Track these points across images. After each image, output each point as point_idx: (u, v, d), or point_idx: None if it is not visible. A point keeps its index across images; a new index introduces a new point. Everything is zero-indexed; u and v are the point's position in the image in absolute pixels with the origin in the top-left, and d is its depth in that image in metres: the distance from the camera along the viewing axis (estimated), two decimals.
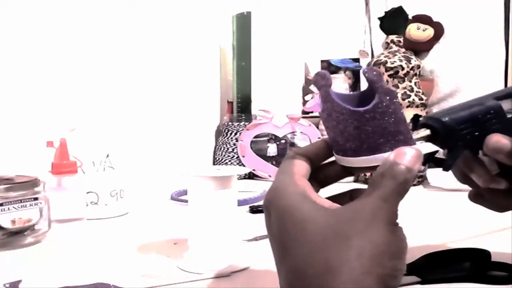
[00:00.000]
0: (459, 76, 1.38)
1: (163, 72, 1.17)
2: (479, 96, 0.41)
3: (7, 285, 0.50)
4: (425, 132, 0.39)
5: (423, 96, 1.16)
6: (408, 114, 1.04)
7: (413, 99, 1.13)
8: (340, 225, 0.32)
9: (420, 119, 0.40)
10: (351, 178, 1.12)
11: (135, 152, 1.03)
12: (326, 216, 0.32)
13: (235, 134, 1.27)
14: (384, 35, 1.22)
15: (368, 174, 1.09)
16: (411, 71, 1.14)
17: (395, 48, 1.17)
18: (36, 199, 0.67)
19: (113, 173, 0.87)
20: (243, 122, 1.29)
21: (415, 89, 1.15)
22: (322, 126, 1.27)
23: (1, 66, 0.91)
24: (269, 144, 1.27)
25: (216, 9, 1.30)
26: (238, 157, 1.26)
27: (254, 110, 1.32)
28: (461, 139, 0.39)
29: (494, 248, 0.51)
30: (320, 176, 0.39)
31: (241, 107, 1.31)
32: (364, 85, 1.39)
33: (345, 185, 0.40)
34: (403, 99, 1.13)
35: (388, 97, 0.34)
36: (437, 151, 0.38)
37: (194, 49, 1.25)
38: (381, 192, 0.32)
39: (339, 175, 0.40)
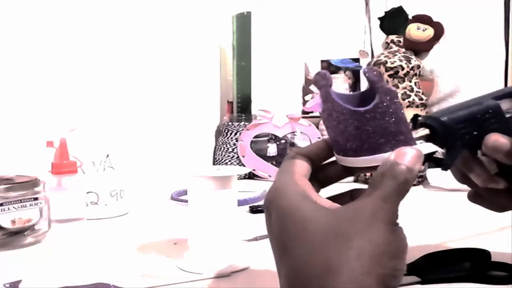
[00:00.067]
0: (459, 76, 1.38)
1: (163, 72, 1.17)
2: (478, 96, 0.41)
3: (7, 285, 0.50)
4: (424, 131, 0.39)
5: (423, 96, 1.16)
6: (408, 114, 1.03)
7: (413, 99, 1.13)
8: (340, 225, 0.32)
9: (419, 118, 0.41)
10: (351, 178, 1.12)
11: (135, 152, 1.03)
12: (326, 216, 0.32)
13: (235, 134, 1.27)
14: (384, 35, 1.22)
15: (368, 174, 1.09)
16: (411, 71, 1.14)
17: (395, 48, 1.17)
18: (36, 199, 0.67)
19: (113, 173, 0.87)
20: (243, 122, 1.29)
21: (415, 89, 1.15)
22: (322, 126, 1.27)
23: (1, 66, 0.91)
24: (269, 144, 1.27)
25: (216, 9, 1.30)
26: (238, 157, 1.26)
27: (254, 110, 1.33)
28: (460, 138, 0.39)
29: (494, 248, 0.51)
30: (321, 176, 0.39)
31: (241, 107, 1.31)
32: (364, 85, 1.39)
33: (345, 185, 0.40)
34: (403, 99, 1.13)
35: (388, 97, 0.34)
36: (436, 151, 0.38)
37: (194, 49, 1.25)
38: (381, 192, 0.32)
39: (339, 175, 0.40)
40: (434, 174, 1.08)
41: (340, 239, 0.31)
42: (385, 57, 1.15)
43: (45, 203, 0.68)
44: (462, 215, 0.78)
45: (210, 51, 1.31)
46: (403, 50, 1.17)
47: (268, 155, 1.27)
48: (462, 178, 0.46)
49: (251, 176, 1.26)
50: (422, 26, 1.39)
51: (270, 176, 1.24)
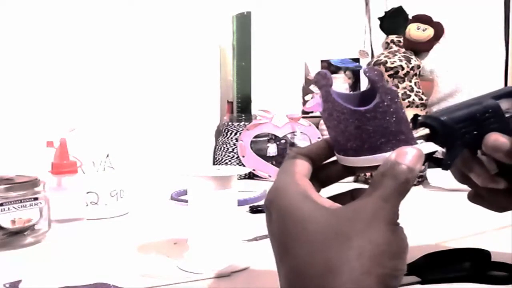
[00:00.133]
0: (459, 76, 1.38)
1: (163, 72, 1.17)
2: (478, 95, 0.42)
3: (7, 285, 0.50)
4: (424, 131, 0.39)
5: (423, 96, 1.15)
6: (408, 114, 1.04)
7: (413, 99, 1.13)
8: (341, 225, 0.32)
9: (419, 118, 0.41)
10: (351, 178, 1.12)
11: (135, 152, 1.03)
12: (326, 216, 0.32)
13: (235, 134, 1.27)
14: (384, 35, 1.22)
15: (368, 174, 1.09)
16: (411, 71, 1.14)
17: (395, 48, 1.17)
18: (36, 199, 0.67)
19: (113, 173, 0.87)
20: (243, 122, 1.29)
21: (415, 89, 1.15)
22: (322, 126, 1.27)
23: (1, 66, 0.91)
24: (269, 144, 1.27)
25: (216, 9, 1.30)
26: (238, 157, 1.26)
27: (254, 110, 1.32)
28: (460, 138, 0.39)
29: (494, 248, 0.51)
30: (322, 175, 0.39)
31: (241, 107, 1.31)
32: (364, 85, 1.39)
33: (345, 185, 0.40)
34: (403, 99, 1.13)
35: (389, 97, 0.34)
36: (436, 151, 0.38)
37: (194, 49, 1.25)
38: (382, 192, 0.32)
39: (340, 174, 0.40)
40: (434, 174, 1.08)
41: (340, 239, 0.31)
42: (385, 57, 1.15)
43: (45, 203, 0.68)
44: (462, 215, 0.78)
45: (210, 51, 1.31)
46: (403, 50, 1.17)
47: (268, 155, 1.27)
48: (462, 178, 0.46)
49: (251, 176, 1.26)
50: (422, 26, 1.39)
51: (270, 176, 1.24)
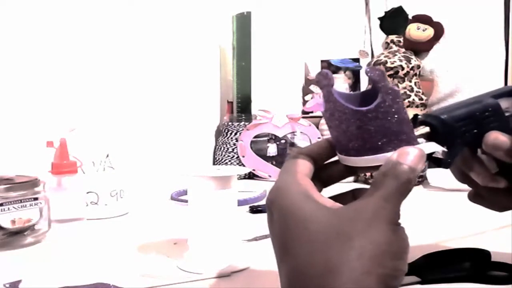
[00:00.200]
0: (459, 76, 1.38)
1: (163, 72, 1.17)
2: (478, 94, 0.42)
3: (7, 285, 0.50)
4: (424, 129, 0.39)
5: (423, 96, 1.16)
6: (408, 114, 1.04)
7: (413, 99, 1.13)
8: (342, 225, 0.32)
9: (419, 116, 0.41)
10: (350, 178, 1.12)
11: (135, 152, 1.03)
12: (327, 216, 0.32)
13: (235, 134, 1.27)
14: (384, 35, 1.22)
15: (368, 173, 1.09)
16: (411, 71, 1.14)
17: (395, 48, 1.17)
18: (36, 199, 0.67)
19: (113, 173, 0.87)
20: (243, 122, 1.29)
21: (415, 89, 1.15)
22: (322, 126, 1.27)
23: (1, 66, 0.91)
24: (269, 144, 1.27)
25: (216, 9, 1.30)
26: (238, 157, 1.26)
27: (254, 110, 1.33)
28: (460, 136, 0.39)
29: (494, 248, 0.51)
30: (323, 175, 0.39)
31: (241, 107, 1.31)
32: (364, 85, 1.39)
33: (346, 185, 0.40)
34: (403, 99, 1.13)
35: (391, 97, 0.34)
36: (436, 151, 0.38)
37: (194, 49, 1.25)
38: (383, 192, 0.32)
39: (342, 174, 0.40)
40: (434, 174, 1.07)
41: (341, 238, 0.31)
42: (385, 57, 1.15)
43: (45, 203, 0.68)
44: (462, 215, 0.78)
45: (210, 51, 1.31)
46: (403, 50, 1.17)
47: (268, 155, 1.27)
48: (462, 177, 0.46)
49: (251, 176, 1.26)
50: (422, 26, 1.39)
51: (270, 176, 1.24)
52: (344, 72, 1.39)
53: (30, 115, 0.94)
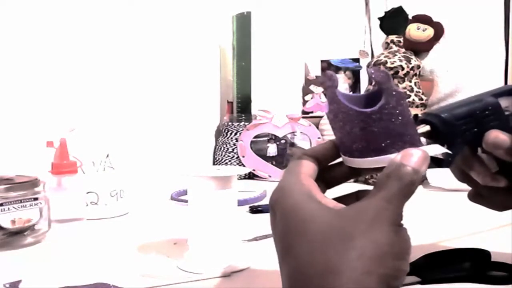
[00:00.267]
0: (459, 76, 1.38)
1: (163, 72, 1.17)
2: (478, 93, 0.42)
3: (7, 285, 0.50)
4: (425, 128, 0.39)
5: (423, 96, 1.15)
6: None
7: (413, 99, 1.13)
8: (343, 225, 0.32)
9: (419, 115, 0.41)
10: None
11: (135, 152, 1.03)
12: (329, 216, 0.32)
13: (235, 134, 1.27)
14: (384, 35, 1.22)
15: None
16: (411, 71, 1.14)
17: (395, 48, 1.17)
18: (36, 199, 0.67)
19: (113, 173, 0.87)
20: (243, 122, 1.29)
21: (415, 89, 1.15)
22: (322, 126, 1.27)
23: (1, 66, 0.91)
24: (269, 144, 1.27)
25: (216, 9, 1.30)
26: (238, 157, 1.26)
27: (254, 110, 1.33)
28: (460, 135, 0.39)
29: (494, 248, 0.51)
30: (327, 176, 0.39)
31: (241, 107, 1.31)
32: (364, 85, 1.39)
33: (347, 185, 0.40)
34: None
35: (395, 99, 0.34)
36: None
37: (194, 49, 1.25)
38: (386, 193, 0.32)
39: (346, 176, 0.40)
40: (434, 174, 1.07)
41: (342, 239, 0.31)
42: (385, 57, 1.15)
43: (45, 203, 0.68)
44: (462, 215, 0.78)
45: (210, 51, 1.31)
46: (403, 50, 1.17)
47: (268, 155, 1.27)
48: (462, 176, 0.46)
49: (251, 176, 1.26)
50: (422, 26, 1.39)
51: (270, 176, 1.24)
52: (344, 72, 1.39)
53: (30, 115, 0.94)
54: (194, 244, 0.57)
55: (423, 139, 0.38)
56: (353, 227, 0.31)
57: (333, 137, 0.39)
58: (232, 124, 1.29)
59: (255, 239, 0.67)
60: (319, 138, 1.25)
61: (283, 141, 1.27)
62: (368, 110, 0.34)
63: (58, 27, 0.98)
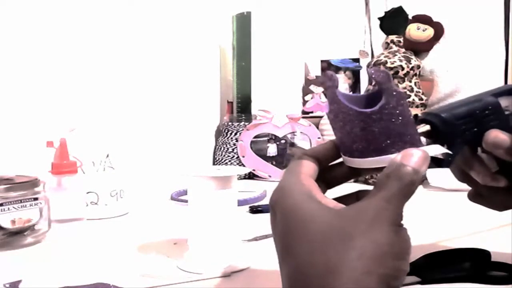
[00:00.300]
0: (459, 76, 1.38)
1: (163, 72, 1.17)
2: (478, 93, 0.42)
3: (7, 285, 0.50)
4: (425, 127, 0.39)
5: (423, 96, 1.16)
6: None
7: (413, 99, 1.13)
8: (343, 225, 0.32)
9: (419, 115, 0.41)
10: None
11: (135, 152, 1.03)
12: (329, 216, 0.32)
13: (235, 134, 1.27)
14: (384, 35, 1.22)
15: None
16: (411, 71, 1.14)
17: (395, 48, 1.17)
18: (36, 199, 0.67)
19: (113, 173, 0.87)
20: (243, 122, 1.29)
21: (415, 89, 1.15)
22: (322, 126, 1.27)
23: (1, 66, 0.91)
24: (269, 144, 1.27)
25: (216, 9, 1.30)
26: (238, 157, 1.26)
27: (254, 110, 1.33)
28: (460, 135, 0.39)
29: (494, 248, 0.51)
30: (328, 177, 0.39)
31: (241, 107, 1.31)
32: (364, 85, 1.39)
33: (347, 185, 0.40)
34: None
35: (395, 99, 0.34)
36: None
37: (194, 49, 1.25)
38: (386, 193, 0.32)
39: (346, 176, 0.39)
40: (434, 174, 1.07)
41: (342, 238, 0.31)
42: (385, 57, 1.15)
43: (45, 203, 0.68)
44: (462, 215, 0.78)
45: (210, 51, 1.31)
46: (403, 50, 1.17)
47: (268, 155, 1.27)
48: (462, 176, 0.46)
49: (251, 176, 1.26)
50: (422, 26, 1.39)
51: (270, 176, 1.24)
52: (344, 72, 1.39)
53: (30, 115, 0.94)
54: (194, 244, 0.57)
55: (423, 139, 0.38)
56: (353, 227, 0.31)
57: (333, 137, 0.39)
58: (232, 124, 1.29)
59: (255, 239, 0.67)
60: (319, 138, 1.25)
61: (283, 141, 1.27)
62: (368, 110, 0.34)
63: (58, 28, 0.98)
